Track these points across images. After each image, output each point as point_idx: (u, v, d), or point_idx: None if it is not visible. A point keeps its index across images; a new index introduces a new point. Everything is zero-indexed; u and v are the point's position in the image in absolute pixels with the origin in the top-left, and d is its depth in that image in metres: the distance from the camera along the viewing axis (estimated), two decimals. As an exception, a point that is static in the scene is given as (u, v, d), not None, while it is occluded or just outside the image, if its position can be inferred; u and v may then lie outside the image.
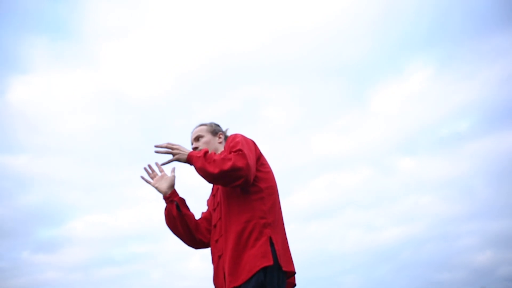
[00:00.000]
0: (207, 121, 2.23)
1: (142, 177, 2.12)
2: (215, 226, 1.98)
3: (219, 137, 2.17)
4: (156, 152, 2.01)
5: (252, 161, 1.84)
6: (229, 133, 2.22)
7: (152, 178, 2.13)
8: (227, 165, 1.79)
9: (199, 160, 1.87)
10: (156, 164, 2.15)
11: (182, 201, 2.07)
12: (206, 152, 1.89)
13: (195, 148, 2.12)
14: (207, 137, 2.14)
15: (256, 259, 1.74)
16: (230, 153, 1.85)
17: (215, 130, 2.19)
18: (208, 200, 2.20)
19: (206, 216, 2.15)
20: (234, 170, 1.79)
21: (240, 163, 1.78)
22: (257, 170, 1.91)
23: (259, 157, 1.96)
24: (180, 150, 1.98)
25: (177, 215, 2.03)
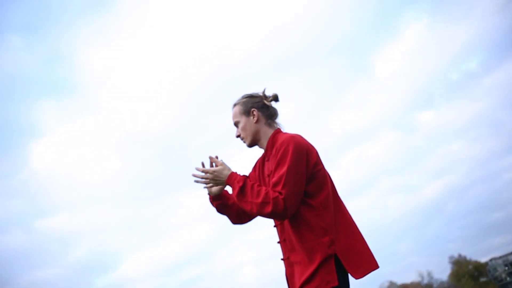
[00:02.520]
0: (240, 96, 2.06)
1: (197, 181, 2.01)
2: (279, 242, 2.00)
3: (253, 115, 1.99)
4: (196, 182, 1.97)
5: (294, 200, 1.78)
6: (268, 92, 2.04)
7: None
8: (264, 210, 1.79)
9: (234, 195, 1.88)
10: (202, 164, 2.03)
11: (224, 204, 2.06)
12: (242, 188, 1.85)
13: (238, 136, 2.04)
14: (242, 121, 1.99)
15: (322, 281, 1.76)
16: (275, 185, 1.79)
17: (246, 109, 2.00)
18: (250, 174, 2.14)
19: None
20: (269, 216, 1.83)
21: (278, 211, 1.77)
22: (308, 185, 1.83)
23: (312, 167, 1.84)
24: (216, 179, 1.93)
25: (220, 213, 2.09)
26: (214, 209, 2.11)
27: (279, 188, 1.78)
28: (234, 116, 2.03)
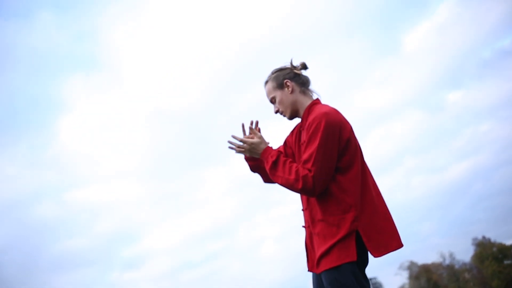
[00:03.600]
0: (269, 72, 2.06)
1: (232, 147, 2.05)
2: (302, 210, 2.03)
3: (287, 86, 1.99)
4: (229, 148, 2.01)
5: (324, 177, 1.80)
6: (295, 63, 2.04)
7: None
8: (294, 186, 1.82)
9: (267, 169, 1.93)
10: (242, 125, 2.08)
11: (257, 165, 2.10)
12: (275, 162, 1.89)
13: (276, 112, 2.04)
14: (278, 95, 2.00)
15: (340, 255, 1.78)
16: (305, 163, 1.82)
17: (279, 82, 2.00)
18: (287, 138, 2.15)
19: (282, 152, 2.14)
20: (299, 192, 1.86)
21: (307, 188, 1.80)
22: (339, 161, 1.84)
23: (345, 144, 1.84)
24: (252, 150, 1.97)
25: (253, 172, 2.15)
26: (242, 180, 2.24)
27: (309, 165, 1.80)
28: (269, 93, 2.04)
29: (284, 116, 2.04)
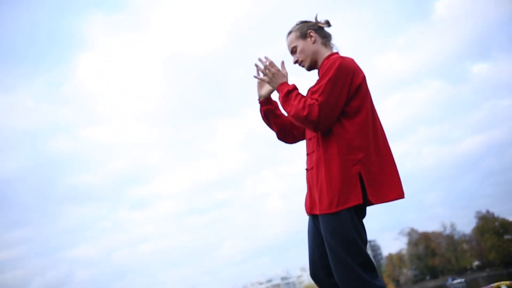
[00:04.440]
0: (294, 23, 2.09)
1: (255, 77, 2.13)
2: (307, 154, 2.06)
3: (310, 36, 2.03)
4: (255, 65, 2.06)
5: (328, 111, 1.80)
6: (320, 18, 2.08)
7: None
8: (300, 114, 1.83)
9: (280, 97, 1.95)
10: (257, 67, 2.11)
11: (271, 110, 2.15)
12: (289, 92, 1.91)
13: (295, 62, 2.07)
14: (300, 45, 2.03)
15: (341, 196, 1.79)
16: (313, 93, 1.86)
17: (303, 32, 2.04)
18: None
19: None
20: (304, 121, 1.84)
21: (311, 117, 1.80)
22: (347, 104, 1.86)
23: (356, 89, 1.87)
24: (273, 78, 2.00)
25: (264, 119, 2.19)
26: (259, 118, 2.20)
27: (316, 95, 1.83)
28: (290, 43, 2.07)
29: (303, 66, 2.07)
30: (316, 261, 1.95)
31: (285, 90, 1.93)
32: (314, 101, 1.82)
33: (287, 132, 2.19)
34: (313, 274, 1.98)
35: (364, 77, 1.92)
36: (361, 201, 1.80)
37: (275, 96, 2.18)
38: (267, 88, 2.15)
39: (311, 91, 1.90)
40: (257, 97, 2.18)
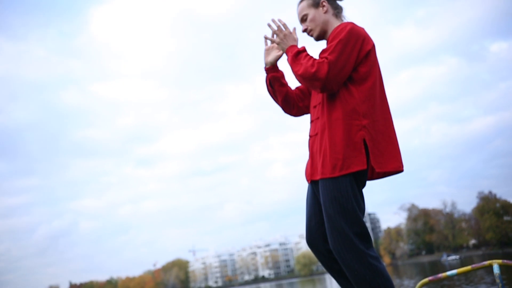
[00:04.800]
0: None
1: (265, 36, 2.13)
2: (311, 121, 2.07)
3: (323, 6, 2.02)
4: (268, 25, 2.06)
5: (337, 71, 1.80)
6: None
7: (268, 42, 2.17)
8: (309, 71, 1.81)
9: (289, 57, 1.94)
10: (265, 37, 2.15)
11: (277, 77, 2.14)
12: (299, 52, 1.91)
13: (305, 30, 2.07)
14: (311, 13, 2.02)
15: (345, 161, 1.80)
16: (323, 53, 1.86)
17: (315, 0, 2.02)
18: None
19: (301, 88, 2.22)
20: (312, 79, 1.81)
21: (319, 74, 1.79)
22: (355, 70, 1.86)
23: (365, 55, 1.87)
24: (284, 40, 2.01)
25: (269, 88, 2.17)
26: (265, 90, 2.19)
27: (326, 54, 1.84)
28: (301, 11, 2.05)
29: (311, 36, 2.06)
30: (313, 228, 1.98)
31: (295, 50, 1.93)
32: (323, 59, 1.82)
33: (291, 103, 2.18)
34: (309, 241, 2.01)
35: (374, 46, 1.93)
36: (365, 167, 1.80)
37: (281, 64, 2.17)
38: (274, 54, 2.14)
39: (321, 51, 1.89)
40: (264, 65, 2.17)
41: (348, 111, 1.84)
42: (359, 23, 1.97)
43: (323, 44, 2.06)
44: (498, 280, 4.00)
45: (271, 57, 2.15)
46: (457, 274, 4.34)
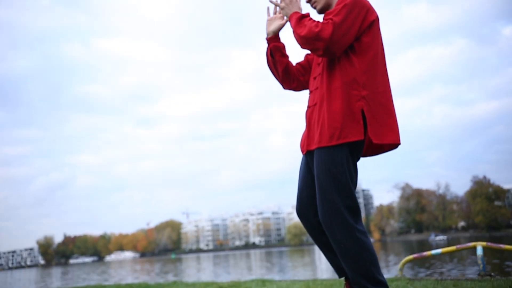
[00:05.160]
0: None
1: (271, 0, 2.12)
2: (310, 92, 2.06)
3: None
4: (270, 1, 2.07)
5: (341, 34, 1.78)
6: None
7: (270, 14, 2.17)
8: (313, 30, 1.79)
9: (293, 20, 1.92)
10: (268, 8, 2.16)
11: (278, 47, 2.12)
12: (304, 16, 1.91)
13: (309, 1, 2.04)
14: None
15: (342, 130, 1.80)
16: (327, 15, 1.84)
17: None
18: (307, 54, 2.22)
19: (305, 60, 2.21)
20: (315, 39, 1.78)
21: (323, 34, 1.76)
22: (358, 40, 1.85)
23: (368, 25, 1.86)
24: (289, 5, 2.00)
25: (270, 59, 2.13)
26: (265, 61, 2.16)
27: (331, 15, 1.82)
28: None
29: (314, 7, 2.04)
30: (304, 199, 1.99)
31: (299, 15, 1.92)
32: (328, 20, 1.80)
33: (292, 76, 2.16)
34: (300, 212, 2.02)
35: (378, 18, 1.91)
36: (362, 137, 1.80)
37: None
38: (277, 23, 2.12)
39: (326, 14, 1.87)
40: (266, 35, 2.15)
41: (348, 81, 1.83)
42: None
43: None
44: (480, 261, 4.13)
45: (273, 27, 2.13)
46: (442, 253, 4.47)
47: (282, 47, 2.14)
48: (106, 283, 10.11)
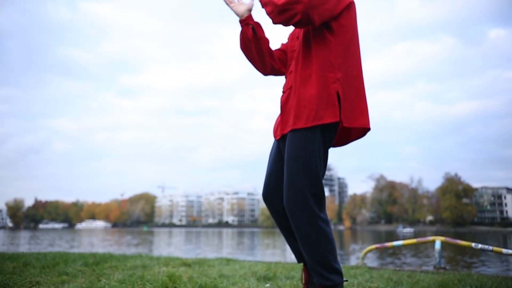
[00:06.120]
0: None
1: None
2: (285, 77, 2.03)
3: None
4: None
5: (319, 1, 1.74)
6: None
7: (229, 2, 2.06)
8: None
9: None
10: None
11: (258, 25, 2.05)
12: None
13: None
14: None
15: (318, 112, 1.78)
16: None
17: None
18: (289, 35, 2.16)
19: (282, 48, 2.16)
20: (293, 2, 1.72)
21: None
22: (336, 20, 1.83)
23: (347, 5, 1.84)
24: None
25: (252, 38, 2.03)
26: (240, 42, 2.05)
27: None
28: None
29: None
30: (272, 184, 1.99)
31: None
32: None
33: (274, 55, 2.11)
34: (266, 196, 2.01)
35: (355, 6, 1.91)
36: (337, 119, 1.78)
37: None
38: (246, 4, 2.04)
39: None
40: (239, 17, 2.03)
41: (323, 64, 1.81)
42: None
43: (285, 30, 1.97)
44: (437, 255, 4.29)
45: (244, 6, 2.04)
46: (403, 245, 4.61)
47: (259, 24, 2.05)
48: (74, 250, 10.05)
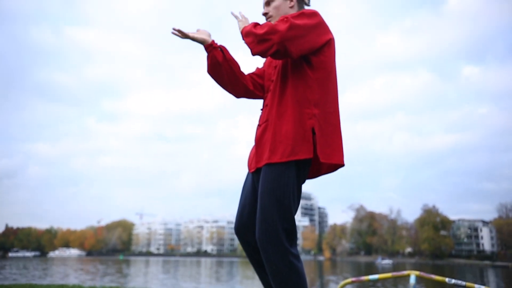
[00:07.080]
0: None
1: (175, 31, 2.01)
2: (261, 109, 2.04)
3: (290, 0, 1.98)
4: (232, 13, 2.02)
5: (297, 33, 1.75)
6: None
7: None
8: (270, 25, 1.76)
9: (251, 25, 1.86)
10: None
11: (225, 48, 2.05)
12: (258, 24, 1.87)
13: (265, 14, 2.01)
14: (277, 0, 1.98)
15: (293, 148, 1.79)
16: (285, 16, 1.81)
17: None
18: (265, 62, 2.18)
19: (257, 72, 2.16)
20: (270, 32, 1.74)
21: (280, 27, 1.73)
22: (315, 55, 1.84)
23: (326, 41, 1.86)
24: (246, 21, 1.97)
25: (222, 60, 2.02)
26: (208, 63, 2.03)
27: (289, 16, 1.79)
28: None
29: (270, 21, 1.99)
30: (245, 217, 1.98)
31: (255, 22, 1.89)
32: (286, 18, 1.78)
33: (245, 78, 2.10)
34: (238, 229, 2.01)
35: (333, 40, 1.92)
36: (311, 155, 1.79)
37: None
38: (203, 32, 2.05)
39: (282, 17, 1.83)
40: (205, 42, 2.02)
41: (300, 99, 1.83)
42: (347, 22, 1.94)
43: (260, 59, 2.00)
44: (411, 290, 4.28)
45: (206, 33, 2.04)
46: (379, 279, 4.59)
47: (224, 48, 2.05)
48: (42, 281, 9.65)
